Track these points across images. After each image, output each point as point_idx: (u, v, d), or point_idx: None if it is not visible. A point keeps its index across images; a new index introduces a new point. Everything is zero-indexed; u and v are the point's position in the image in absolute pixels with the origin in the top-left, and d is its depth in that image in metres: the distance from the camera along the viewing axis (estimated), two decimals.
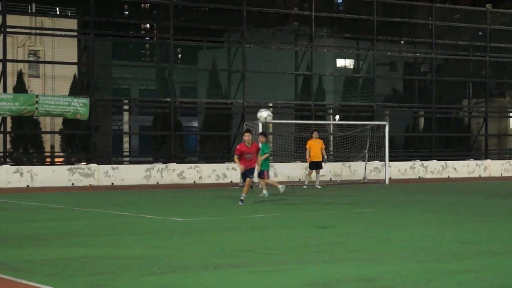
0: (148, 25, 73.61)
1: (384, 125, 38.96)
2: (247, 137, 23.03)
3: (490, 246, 14.53)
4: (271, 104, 47.12)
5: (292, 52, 49.19)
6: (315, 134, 33.98)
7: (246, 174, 23.48)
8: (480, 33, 52.84)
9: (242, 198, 23.11)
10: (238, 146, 23.29)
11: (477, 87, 54.40)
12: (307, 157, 33.74)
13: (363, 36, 50.04)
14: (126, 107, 51.01)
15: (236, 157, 23.22)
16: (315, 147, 33.43)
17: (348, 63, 63.44)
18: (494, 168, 45.88)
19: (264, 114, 27.58)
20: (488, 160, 46.64)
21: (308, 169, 34.13)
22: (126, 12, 53.42)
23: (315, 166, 33.65)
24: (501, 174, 45.76)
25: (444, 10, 55.45)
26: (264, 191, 27.37)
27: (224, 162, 40.31)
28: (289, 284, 10.54)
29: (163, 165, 38.27)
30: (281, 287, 10.34)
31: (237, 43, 45.87)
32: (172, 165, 38.14)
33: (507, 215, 21.31)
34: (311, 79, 46.56)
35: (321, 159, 33.53)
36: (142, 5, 61.53)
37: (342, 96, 51.45)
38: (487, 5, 51.77)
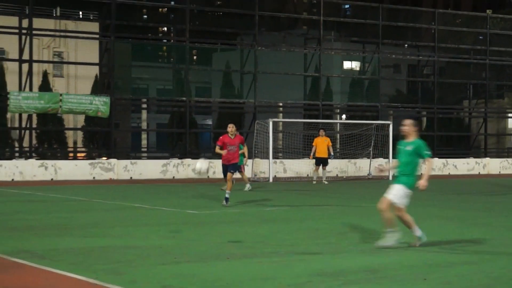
0: (165, 29, 73.55)
1: (388, 125, 38.95)
2: (230, 128, 21.55)
3: (488, 240, 14.50)
4: (281, 104, 47.15)
5: (301, 55, 49.18)
6: (321, 132, 33.98)
7: (229, 169, 21.43)
8: (480, 37, 52.66)
9: (227, 196, 20.92)
10: (221, 137, 21.67)
11: (477, 89, 54.26)
12: (311, 154, 33.78)
13: (369, 40, 49.94)
14: (144, 105, 51.07)
15: (217, 147, 21.51)
16: (321, 144, 33.43)
17: (355, 65, 63.35)
18: (492, 166, 45.74)
19: (198, 166, 20.49)
20: (487, 158, 46.51)
21: (315, 165, 34.14)
22: (145, 16, 53.49)
23: (321, 162, 33.65)
24: (500, 172, 45.61)
25: (447, 15, 55.33)
26: (248, 185, 27.95)
27: None
28: (299, 273, 10.54)
29: (179, 161, 38.29)
30: (291, 277, 10.34)
31: (249, 45, 45.83)
32: (187, 161, 38.14)
33: (505, 211, 21.26)
34: (319, 80, 46.48)
35: (326, 156, 33.52)
36: (160, 9, 61.53)
37: (349, 96, 51.36)
38: (488, 11, 51.59)
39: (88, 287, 9.66)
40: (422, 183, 12.80)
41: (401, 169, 12.95)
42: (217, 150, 21.52)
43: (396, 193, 12.73)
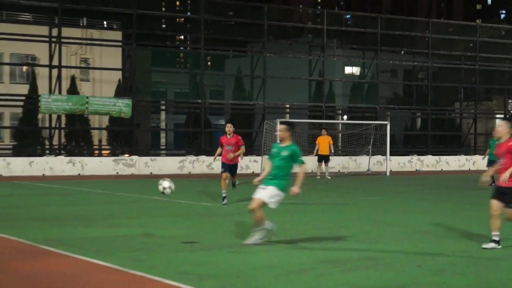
0: (182, 37, 73.56)
1: (386, 125, 38.86)
2: (227, 128, 20.04)
3: (477, 230, 14.47)
4: (288, 105, 47.11)
5: (306, 61, 49.16)
6: (323, 131, 33.98)
7: (231, 173, 20.16)
8: (471, 44, 52.52)
9: (224, 195, 19.69)
10: (220, 137, 20.30)
11: (467, 92, 54.12)
12: (314, 151, 33.81)
13: (368, 47, 49.87)
14: (163, 107, 51.17)
15: (219, 148, 20.10)
16: (323, 142, 33.45)
17: (355, 70, 63.29)
18: (481, 162, 45.37)
19: (162, 186, 15.84)
20: (477, 156, 46.27)
21: (317, 162, 34.12)
22: (164, 26, 53.49)
23: (323, 159, 33.67)
24: (488, 168, 45.38)
25: (440, 25, 55.18)
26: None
27: (246, 155, 40.22)
28: (303, 261, 10.55)
29: (195, 158, 38.32)
30: (296, 264, 10.35)
31: (258, 52, 45.82)
32: (202, 157, 38.16)
33: None
34: (323, 84, 46.44)
35: (328, 153, 33.53)
36: (177, 19, 61.66)
37: (350, 99, 51.39)
38: (477, 20, 51.60)
39: (112, 273, 9.69)
40: (295, 190, 11.72)
41: (275, 172, 11.83)
42: (218, 150, 20.31)
43: (269, 194, 11.68)
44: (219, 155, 20.27)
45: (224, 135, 20.04)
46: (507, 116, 52.11)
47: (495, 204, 11.63)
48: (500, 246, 11.61)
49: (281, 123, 12.17)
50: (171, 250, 11.41)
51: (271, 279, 9.30)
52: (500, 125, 11.76)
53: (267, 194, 11.69)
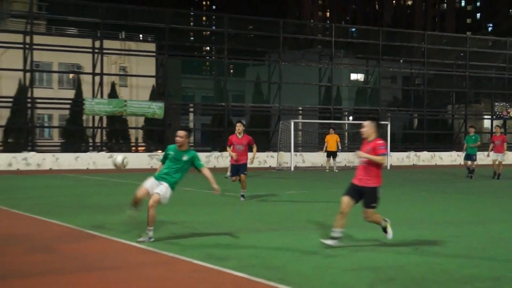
0: (208, 48, 73.73)
1: (387, 124, 38.74)
2: (237, 127, 17.36)
3: (468, 217, 14.44)
4: (300, 108, 47.06)
5: (316, 68, 49.08)
6: (331, 130, 33.99)
7: (240, 171, 17.40)
8: (461, 54, 52.23)
9: (242, 193, 17.77)
10: (230, 137, 17.74)
11: (459, 96, 53.77)
12: (324, 148, 33.83)
13: (371, 56, 49.68)
14: (191, 109, 51.22)
15: (227, 147, 17.94)
16: (331, 140, 33.46)
17: (359, 76, 63.10)
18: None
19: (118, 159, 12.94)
20: None
21: (326, 158, 34.11)
22: (192, 38, 53.55)
23: (331, 154, 33.68)
24: (477, 163, 45.12)
25: (434, 36, 54.89)
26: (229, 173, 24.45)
27: (264, 151, 40.24)
28: (313, 243, 10.58)
29: (219, 153, 38.36)
30: (307, 246, 10.38)
31: (275, 61, 45.79)
32: (226, 153, 38.16)
33: (483, 193, 21.12)
34: (331, 89, 46.38)
35: (335, 150, 33.54)
36: (204, 33, 61.60)
37: (355, 101, 51.26)
38: (467, 33, 51.30)
39: (148, 254, 9.75)
40: (216, 188, 11.04)
41: (170, 171, 10.92)
42: (228, 150, 17.92)
43: (164, 191, 10.77)
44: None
45: (234, 135, 17.40)
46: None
47: (347, 201, 10.24)
48: (337, 243, 10.17)
49: (180, 130, 11.12)
50: (198, 234, 11.46)
51: (287, 259, 9.34)
52: (365, 125, 10.46)
53: (163, 191, 10.75)
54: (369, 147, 10.34)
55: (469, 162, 28.43)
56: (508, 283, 8.14)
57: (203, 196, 19.27)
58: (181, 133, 11.02)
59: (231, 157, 17.48)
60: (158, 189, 10.76)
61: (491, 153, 28.38)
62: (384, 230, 10.56)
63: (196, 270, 8.58)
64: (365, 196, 10.18)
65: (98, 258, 9.44)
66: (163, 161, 11.18)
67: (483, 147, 40.53)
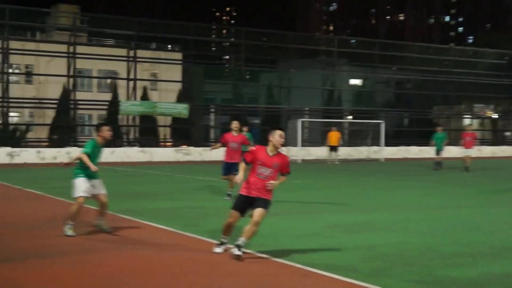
0: (227, 57, 73.65)
1: (381, 123, 38.64)
2: (234, 124, 14.85)
3: (443, 203, 14.39)
4: (307, 108, 46.96)
5: (320, 75, 48.94)
6: (333, 128, 34.21)
7: (231, 168, 14.65)
8: (446, 62, 51.99)
9: (228, 192, 14.97)
10: (224, 134, 15.10)
11: (443, 98, 53.52)
12: (327, 143, 33.91)
13: (368, 64, 49.53)
14: (212, 110, 51.16)
15: (216, 144, 15.88)
16: (333, 136, 33.56)
17: (358, 82, 62.82)
18: (454, 152, 45.01)
19: None
20: (450, 147, 45.72)
21: (329, 151, 34.10)
22: (213, 48, 53.55)
23: (333, 149, 33.70)
24: (458, 156, 44.93)
25: (422, 47, 54.60)
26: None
27: None
28: (315, 226, 10.59)
29: None
30: (309, 228, 10.39)
31: (285, 68, 45.75)
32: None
33: (461, 183, 21.02)
34: (333, 92, 46.30)
35: (337, 144, 33.61)
36: (224, 43, 61.66)
37: (353, 103, 51.03)
38: (451, 44, 51.02)
39: (173, 235, 9.80)
40: (94, 168, 9.89)
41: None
42: (213, 145, 15.91)
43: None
44: (216, 148, 15.54)
45: (230, 132, 14.80)
46: (475, 118, 51.46)
47: (236, 215, 8.45)
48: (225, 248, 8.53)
49: (106, 125, 10.18)
50: (217, 218, 11.49)
51: (292, 239, 9.35)
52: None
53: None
54: (278, 161, 8.67)
55: (437, 156, 29.09)
56: (482, 258, 8.15)
57: (221, 185, 19.25)
58: (107, 129, 9.95)
59: (226, 154, 14.91)
60: (101, 189, 10.12)
61: (462, 148, 28.21)
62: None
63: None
64: (256, 202, 8.47)
65: (131, 239, 9.48)
66: (92, 154, 10.01)
67: (455, 142, 40.53)
